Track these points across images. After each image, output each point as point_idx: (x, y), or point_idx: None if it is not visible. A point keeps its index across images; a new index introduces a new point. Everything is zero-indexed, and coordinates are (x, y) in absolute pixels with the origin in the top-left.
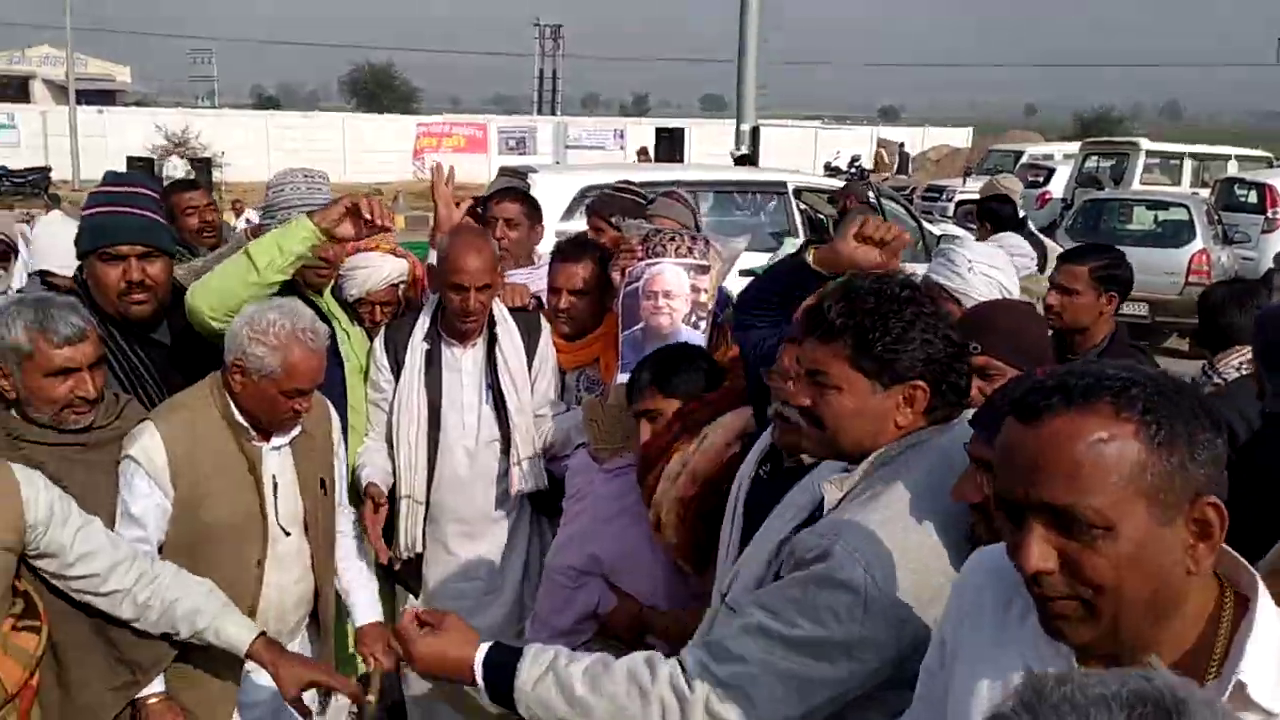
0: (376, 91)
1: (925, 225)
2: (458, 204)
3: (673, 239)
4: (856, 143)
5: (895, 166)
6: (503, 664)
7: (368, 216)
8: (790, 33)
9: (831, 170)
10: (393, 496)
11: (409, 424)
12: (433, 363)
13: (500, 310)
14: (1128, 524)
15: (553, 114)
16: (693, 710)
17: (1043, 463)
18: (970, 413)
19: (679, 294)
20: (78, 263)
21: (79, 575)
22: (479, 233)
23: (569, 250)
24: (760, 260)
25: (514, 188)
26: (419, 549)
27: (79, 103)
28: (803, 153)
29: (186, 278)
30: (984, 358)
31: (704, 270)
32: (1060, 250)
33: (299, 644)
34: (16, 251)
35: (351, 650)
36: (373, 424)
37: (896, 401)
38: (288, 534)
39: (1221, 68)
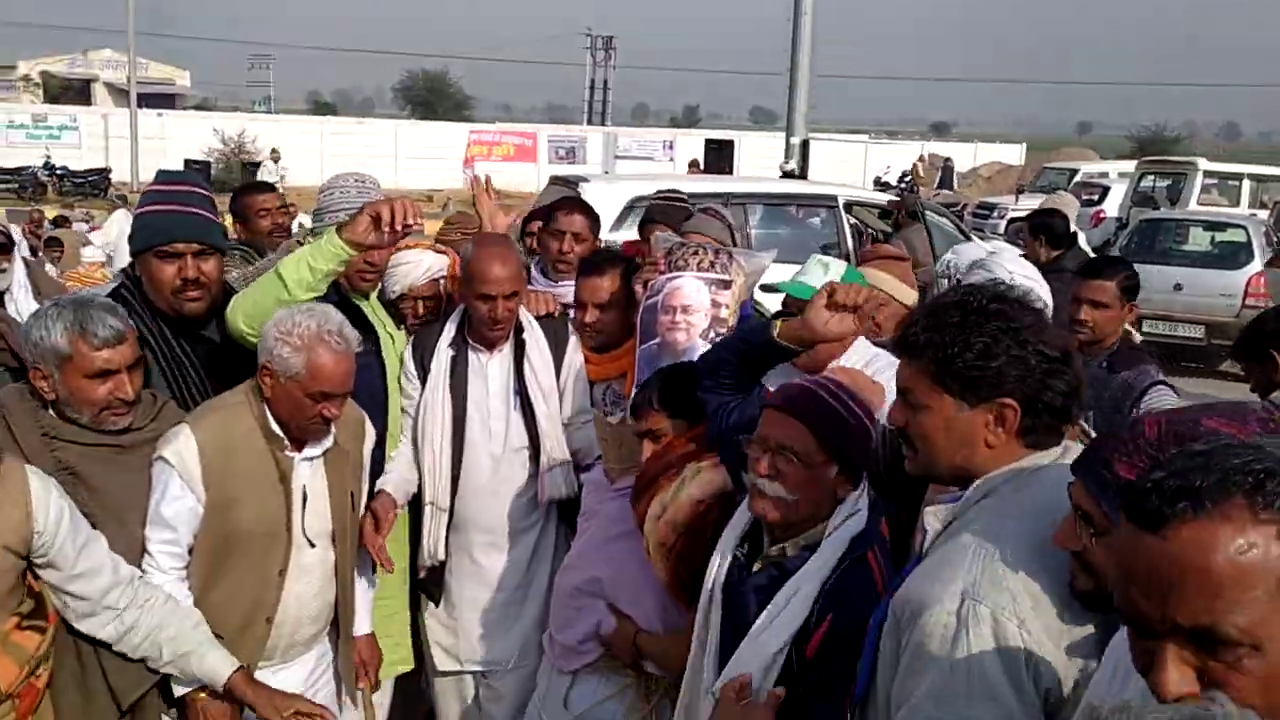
0: (430, 99)
1: (976, 240)
2: (505, 213)
3: (695, 252)
4: (907, 158)
5: (937, 181)
6: None
7: (389, 223)
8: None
9: (881, 185)
10: (418, 503)
11: (434, 430)
12: (458, 369)
13: (527, 317)
14: (1277, 637)
15: (602, 124)
16: None
17: (1176, 580)
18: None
19: (698, 309)
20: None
21: (76, 593)
22: (503, 241)
23: (593, 264)
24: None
25: (579, 199)
26: (441, 557)
27: (139, 106)
28: (852, 167)
29: (250, 278)
30: None
31: (726, 285)
32: None
33: (317, 655)
34: (13, 244)
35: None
36: (403, 430)
37: (986, 420)
38: (313, 545)
39: None
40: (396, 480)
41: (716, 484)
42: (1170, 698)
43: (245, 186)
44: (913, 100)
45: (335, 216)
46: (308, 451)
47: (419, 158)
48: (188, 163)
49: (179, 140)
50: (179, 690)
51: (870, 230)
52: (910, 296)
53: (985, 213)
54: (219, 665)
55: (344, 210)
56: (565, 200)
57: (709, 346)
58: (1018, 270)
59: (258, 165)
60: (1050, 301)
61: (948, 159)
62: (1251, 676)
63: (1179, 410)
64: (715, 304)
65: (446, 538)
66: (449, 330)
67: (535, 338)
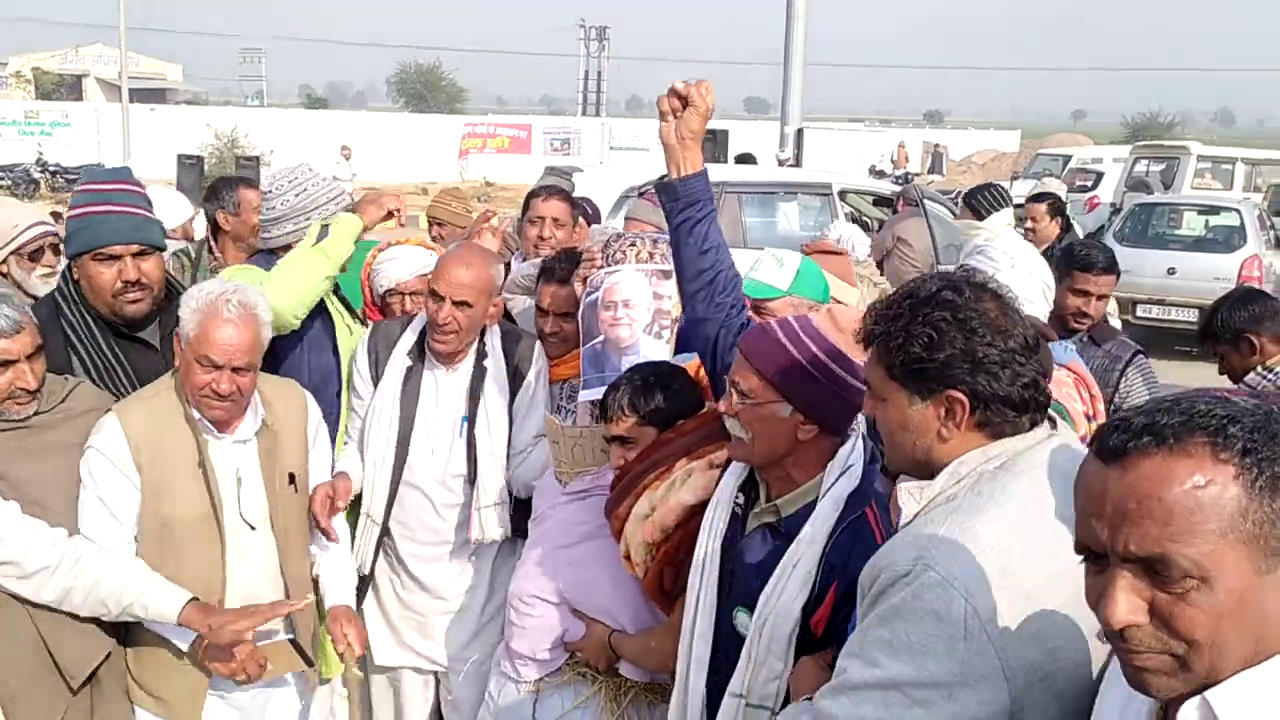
0: (424, 92)
1: None
2: (495, 235)
3: (633, 244)
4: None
5: (928, 167)
6: None
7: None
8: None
9: (877, 173)
10: (357, 507)
11: (378, 442)
12: (410, 382)
13: (493, 342)
14: (1226, 574)
15: (597, 115)
16: None
17: (1132, 509)
18: (1064, 428)
19: (639, 303)
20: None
21: (1, 559)
22: (481, 252)
23: (553, 271)
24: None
25: (558, 186)
26: (366, 570)
27: (131, 101)
28: (847, 156)
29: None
30: None
31: (667, 275)
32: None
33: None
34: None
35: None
36: (350, 431)
37: (937, 413)
38: (253, 529)
39: (1276, 72)
40: (354, 470)
41: (710, 488)
42: (1118, 625)
43: (239, 180)
44: (907, 88)
45: (327, 209)
46: (239, 434)
47: (414, 150)
48: (181, 157)
49: (171, 135)
50: (173, 620)
51: (866, 218)
52: (848, 292)
53: None
54: (167, 604)
55: (332, 204)
56: (543, 187)
57: (653, 340)
58: (1020, 255)
59: (252, 159)
60: (1052, 284)
61: (937, 145)
62: (1198, 610)
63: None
64: (657, 295)
65: (376, 551)
66: (408, 338)
67: (497, 365)
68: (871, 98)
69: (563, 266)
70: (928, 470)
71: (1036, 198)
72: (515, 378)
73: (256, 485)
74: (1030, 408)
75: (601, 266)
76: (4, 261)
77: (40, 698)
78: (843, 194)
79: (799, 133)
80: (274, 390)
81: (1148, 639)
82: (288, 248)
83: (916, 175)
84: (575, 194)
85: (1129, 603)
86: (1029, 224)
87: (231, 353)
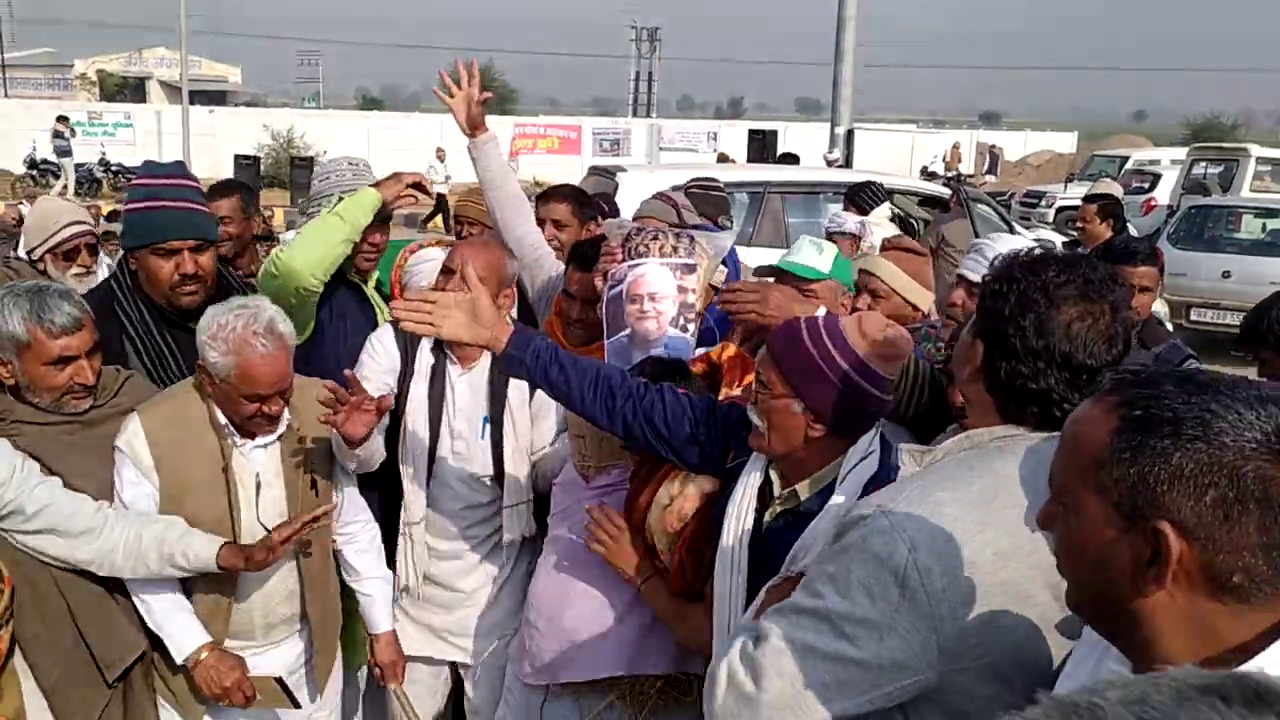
0: None
1: (1021, 230)
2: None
3: (656, 237)
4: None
5: (985, 168)
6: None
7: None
8: (889, 35)
9: (928, 175)
10: (389, 523)
11: (415, 443)
12: (436, 379)
13: None
14: (1079, 510)
15: (647, 116)
16: (728, 689)
17: (1065, 432)
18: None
19: (665, 295)
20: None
21: (40, 529)
22: (491, 242)
23: (585, 257)
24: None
25: (562, 187)
26: (412, 582)
27: (191, 103)
28: (899, 157)
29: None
30: None
31: (690, 269)
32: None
33: (292, 642)
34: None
35: (360, 636)
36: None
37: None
38: (269, 532)
39: None
40: (386, 609)
41: (709, 486)
42: (1038, 522)
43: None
44: (963, 89)
45: (330, 199)
46: (260, 439)
47: (465, 151)
48: (238, 158)
49: (229, 136)
50: (180, 657)
51: (913, 219)
52: (921, 295)
53: (1034, 201)
54: (204, 549)
55: (344, 189)
56: (552, 189)
57: (678, 333)
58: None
59: (307, 160)
60: None
61: (993, 146)
62: (1065, 532)
63: None
64: (681, 289)
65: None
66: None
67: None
68: (927, 98)
69: (594, 251)
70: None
71: (1089, 198)
72: None
73: (277, 489)
74: (1049, 404)
75: (623, 260)
76: (42, 259)
77: (81, 691)
78: (890, 194)
79: (849, 133)
80: (299, 390)
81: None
82: None
83: (970, 177)
84: (615, 194)
85: (1047, 509)
86: (1080, 224)
87: (277, 381)
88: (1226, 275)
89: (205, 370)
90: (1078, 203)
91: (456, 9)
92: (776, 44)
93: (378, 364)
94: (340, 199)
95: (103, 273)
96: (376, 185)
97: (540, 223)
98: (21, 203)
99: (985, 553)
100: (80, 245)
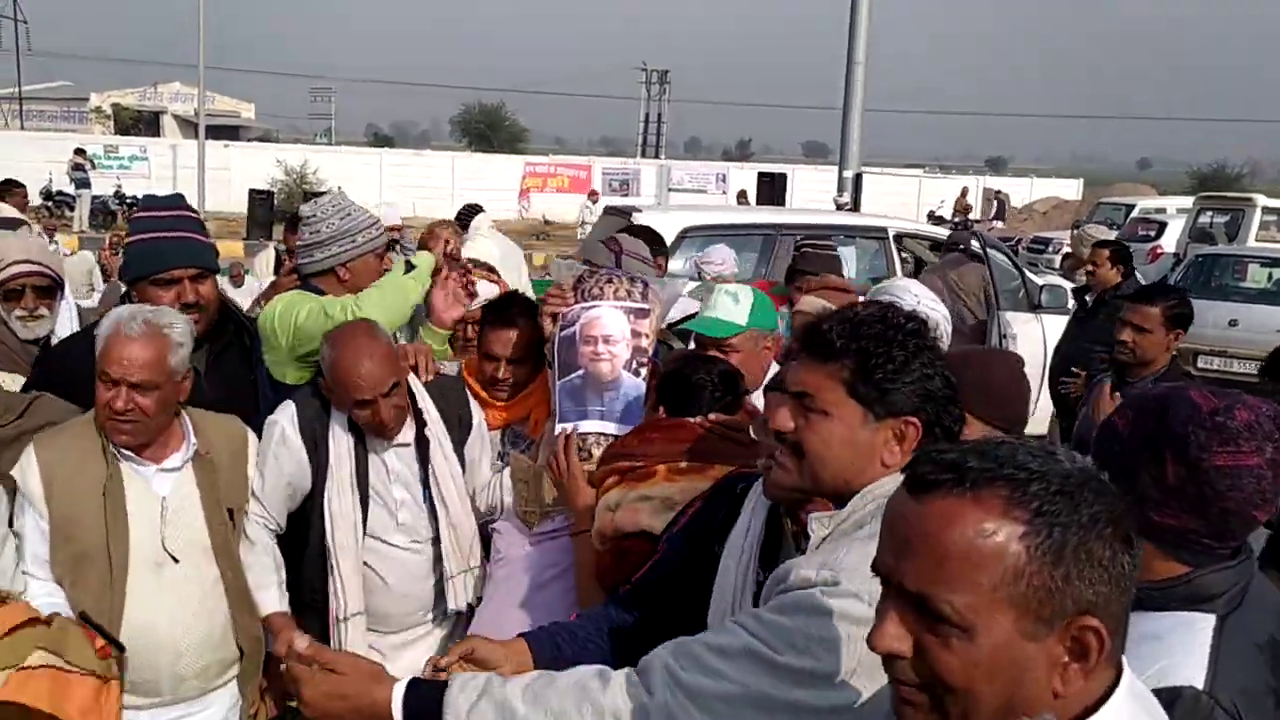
0: (486, 131)
1: (1029, 275)
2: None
3: (610, 280)
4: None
5: (992, 213)
6: (426, 700)
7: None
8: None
9: (935, 219)
10: (309, 613)
11: (346, 534)
12: (360, 457)
13: (426, 403)
14: (989, 630)
15: (656, 157)
16: (650, 717)
17: (915, 542)
18: None
19: (619, 338)
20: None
21: None
22: (365, 329)
23: (502, 314)
24: None
25: (635, 227)
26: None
27: (206, 137)
28: (906, 201)
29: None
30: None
31: (644, 314)
32: None
33: (225, 700)
34: (62, 286)
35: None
36: (255, 516)
37: (886, 437)
38: (176, 561)
39: None
40: (279, 598)
41: (660, 527)
42: (879, 650)
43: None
44: (968, 134)
45: (370, 233)
46: (167, 463)
47: (476, 188)
48: (252, 192)
49: (243, 171)
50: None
51: (925, 262)
52: None
53: (1040, 247)
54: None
55: (372, 228)
56: (626, 229)
57: (632, 377)
58: (923, 295)
59: (320, 195)
60: (949, 329)
61: (999, 192)
62: (955, 658)
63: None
64: (635, 333)
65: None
66: (338, 414)
67: (437, 434)
68: (933, 144)
69: (515, 309)
70: (843, 495)
71: (1101, 244)
72: (459, 426)
73: (191, 515)
74: (954, 441)
75: (575, 302)
76: None
77: None
78: (899, 238)
79: (857, 177)
80: (209, 422)
81: (909, 673)
82: (331, 273)
83: (977, 222)
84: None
85: (894, 631)
86: (1090, 267)
87: (126, 368)
88: (1233, 324)
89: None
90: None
91: (467, 49)
92: (784, 88)
93: (291, 457)
94: (408, 264)
95: (65, 317)
96: (424, 246)
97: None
98: (41, 234)
99: None
100: (26, 286)
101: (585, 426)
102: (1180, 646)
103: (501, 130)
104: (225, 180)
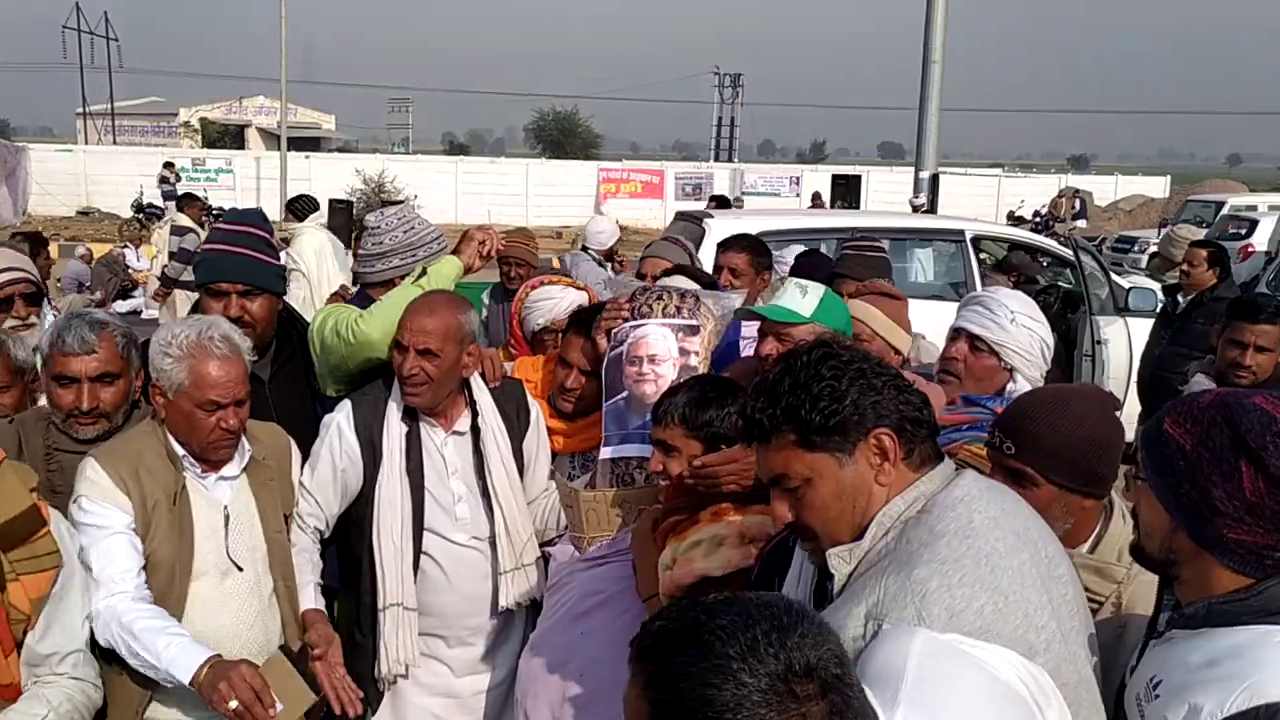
0: (560, 138)
1: (1114, 277)
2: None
3: (659, 297)
4: (1043, 191)
5: (1074, 213)
6: None
7: (488, 252)
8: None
9: (1015, 220)
10: (354, 606)
11: (393, 520)
12: (413, 449)
13: (482, 395)
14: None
15: (729, 161)
16: None
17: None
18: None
19: (665, 358)
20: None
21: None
22: (448, 299)
23: (588, 321)
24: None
25: (741, 237)
26: (413, 662)
27: (288, 149)
28: (985, 201)
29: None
30: (1017, 463)
31: (693, 331)
32: None
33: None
34: (43, 295)
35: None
36: (302, 517)
37: (868, 462)
38: (240, 569)
39: None
40: (314, 589)
41: (733, 563)
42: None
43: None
44: (1051, 132)
45: (431, 248)
46: (225, 471)
47: (549, 195)
48: (332, 202)
49: (324, 181)
50: (186, 679)
51: (1000, 264)
52: (901, 339)
53: (1125, 246)
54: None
55: (435, 243)
56: (730, 239)
57: None
58: (1020, 310)
59: (397, 204)
60: (1052, 343)
61: (1078, 191)
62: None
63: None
64: (684, 351)
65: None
66: (395, 404)
67: (491, 424)
68: (1013, 142)
69: (591, 319)
70: (861, 531)
71: (1197, 243)
72: (517, 423)
73: (250, 523)
74: (932, 428)
75: (628, 319)
76: None
77: None
78: (976, 240)
79: (934, 178)
80: (258, 430)
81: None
82: (389, 284)
83: (1059, 222)
84: (702, 240)
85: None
86: (1185, 268)
87: (234, 389)
88: None
89: (158, 388)
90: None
91: (540, 57)
92: (858, 89)
93: (340, 456)
94: (423, 270)
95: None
96: (455, 250)
97: (717, 270)
98: (127, 245)
99: (988, 614)
100: (14, 294)
101: (626, 451)
102: (1267, 661)
103: (575, 137)
104: (306, 190)
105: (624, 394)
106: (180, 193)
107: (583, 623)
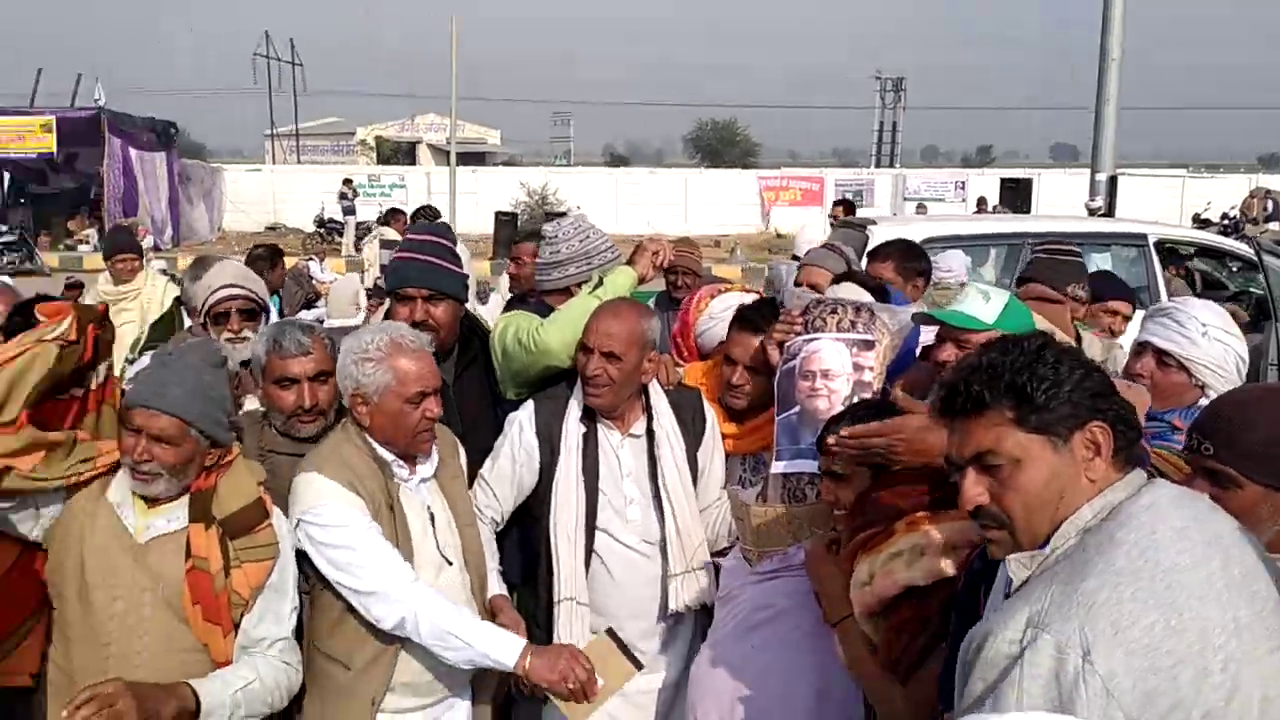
0: (718, 147)
1: None
2: None
3: (834, 311)
4: (1231, 193)
5: (1266, 214)
6: None
7: (661, 263)
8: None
9: (1201, 222)
10: (532, 601)
11: (567, 515)
12: (589, 448)
13: (659, 400)
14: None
15: (890, 166)
16: None
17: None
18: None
19: (839, 373)
20: None
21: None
22: (631, 304)
23: (751, 318)
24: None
25: (894, 242)
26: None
27: (457, 164)
28: (1168, 204)
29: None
30: (1217, 463)
31: (868, 346)
32: None
33: (468, 695)
34: (267, 311)
35: None
36: (480, 508)
37: (1081, 453)
38: (450, 563)
39: None
40: (496, 575)
41: (937, 572)
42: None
43: (525, 234)
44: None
45: (605, 256)
46: (423, 471)
47: (707, 204)
48: (498, 214)
49: (490, 194)
50: (511, 664)
51: (1196, 273)
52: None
53: None
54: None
55: (609, 252)
56: (882, 245)
57: None
58: (1212, 323)
59: (560, 215)
60: (1247, 357)
61: (1269, 191)
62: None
63: None
64: (858, 366)
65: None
66: (576, 404)
67: (666, 428)
68: (1197, 142)
69: (761, 316)
70: (1049, 536)
71: None
72: (692, 430)
73: (446, 520)
74: (1139, 432)
75: (801, 332)
76: (205, 323)
77: None
78: (1160, 245)
79: (1112, 180)
80: (440, 435)
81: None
82: (565, 292)
83: (1251, 223)
84: (864, 247)
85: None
86: None
87: (434, 377)
88: None
89: (360, 398)
90: None
91: (698, 68)
92: (1027, 89)
93: (520, 451)
94: (600, 280)
95: None
96: (629, 261)
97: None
98: (310, 259)
99: (1158, 631)
100: (231, 309)
101: (799, 466)
102: None
103: (733, 146)
104: (474, 204)
105: (796, 408)
106: (386, 208)
107: (754, 635)
